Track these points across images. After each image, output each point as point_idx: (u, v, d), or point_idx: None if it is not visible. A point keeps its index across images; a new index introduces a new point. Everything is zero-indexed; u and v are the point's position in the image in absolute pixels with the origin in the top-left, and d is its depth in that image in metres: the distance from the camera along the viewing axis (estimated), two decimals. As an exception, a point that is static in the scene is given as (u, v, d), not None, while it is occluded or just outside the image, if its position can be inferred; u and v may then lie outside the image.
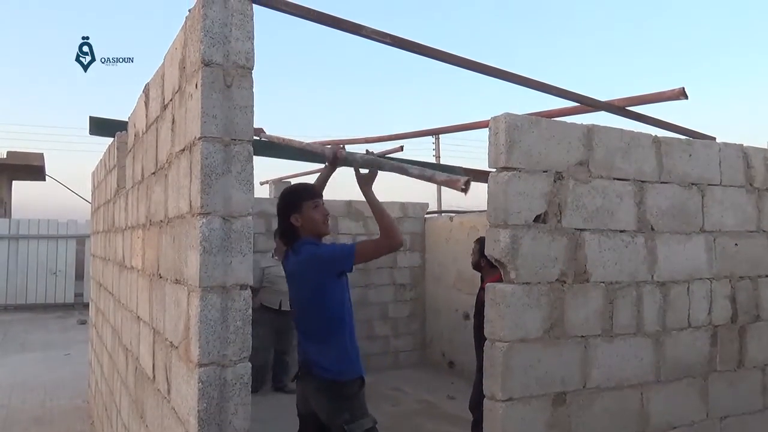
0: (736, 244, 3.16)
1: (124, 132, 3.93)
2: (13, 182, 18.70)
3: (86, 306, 12.19)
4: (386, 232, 2.78)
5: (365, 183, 2.90)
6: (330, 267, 2.79)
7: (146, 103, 2.89)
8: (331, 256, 2.82)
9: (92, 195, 6.52)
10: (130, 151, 3.49)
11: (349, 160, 3.01)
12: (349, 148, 5.73)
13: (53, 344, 9.96)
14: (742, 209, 3.19)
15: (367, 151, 2.95)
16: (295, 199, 2.91)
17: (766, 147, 3.50)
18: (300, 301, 2.92)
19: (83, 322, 11.66)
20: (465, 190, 2.24)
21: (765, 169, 3.28)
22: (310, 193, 2.96)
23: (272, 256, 6.55)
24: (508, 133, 2.50)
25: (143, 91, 2.97)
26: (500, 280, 2.55)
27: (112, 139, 4.35)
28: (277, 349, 6.61)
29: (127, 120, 3.69)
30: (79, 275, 14.89)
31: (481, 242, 4.07)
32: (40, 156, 16.73)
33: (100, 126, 4.27)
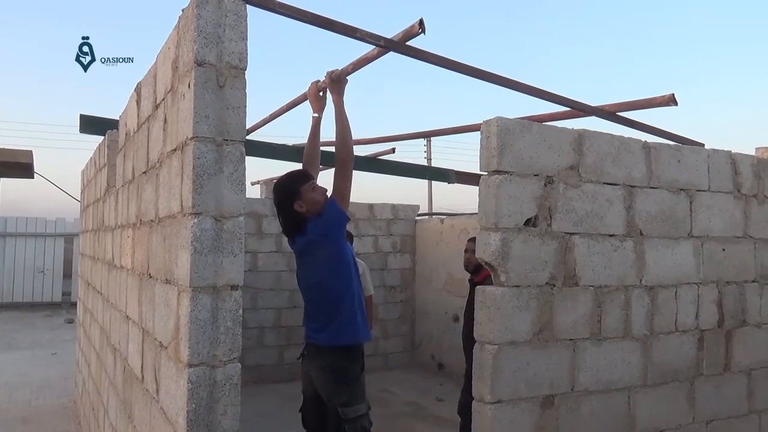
0: (723, 250, 3.19)
1: (114, 131, 3.91)
2: (1, 179, 18.52)
3: (74, 305, 12.08)
4: (344, 144, 2.94)
5: (338, 92, 3.02)
6: (336, 227, 2.90)
7: (138, 102, 2.88)
8: (329, 218, 2.87)
9: (81, 193, 6.48)
10: (120, 150, 3.47)
11: (343, 72, 3.06)
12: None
13: (40, 343, 9.89)
14: (729, 215, 3.22)
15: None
16: (294, 187, 2.93)
17: (753, 154, 3.55)
18: (311, 278, 2.97)
19: (71, 321, 11.58)
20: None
21: (752, 175, 3.32)
22: (305, 177, 2.99)
23: None
24: (500, 136, 2.52)
25: (135, 90, 2.96)
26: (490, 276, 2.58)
27: (103, 137, 4.32)
28: None
29: (118, 119, 3.67)
30: (67, 274, 14.79)
31: None
32: (29, 153, 16.54)
33: (90, 124, 4.24)
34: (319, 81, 3.13)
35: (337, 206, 2.84)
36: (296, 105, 3.66)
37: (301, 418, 3.16)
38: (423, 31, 2.46)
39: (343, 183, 2.90)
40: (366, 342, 3.01)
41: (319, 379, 2.96)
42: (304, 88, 3.30)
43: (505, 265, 2.50)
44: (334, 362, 2.90)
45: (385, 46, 2.62)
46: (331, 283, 2.91)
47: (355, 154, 3.05)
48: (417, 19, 2.48)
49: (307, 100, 3.25)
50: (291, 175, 3.05)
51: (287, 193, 2.92)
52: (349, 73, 2.99)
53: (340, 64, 3.04)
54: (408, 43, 2.63)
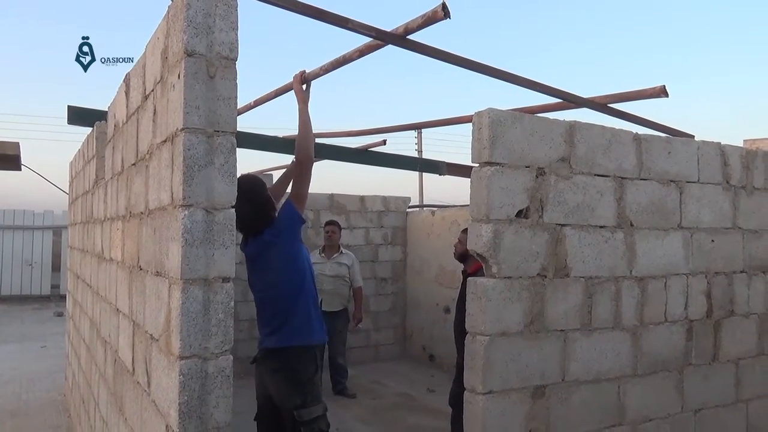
0: (712, 241, 3.21)
1: (103, 122, 3.87)
2: (-12, 172, 18.31)
3: (63, 298, 11.99)
4: (300, 146, 2.90)
5: (305, 100, 3.05)
6: (290, 228, 2.84)
7: (127, 93, 2.84)
8: (283, 218, 2.83)
9: (70, 186, 6.42)
10: (109, 141, 3.44)
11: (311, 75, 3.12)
12: (332, 141, 5.70)
13: (29, 336, 9.83)
14: (718, 206, 3.24)
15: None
16: (261, 183, 2.95)
17: (742, 145, 3.57)
18: (264, 281, 2.93)
19: (60, 314, 11.51)
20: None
21: (741, 167, 3.34)
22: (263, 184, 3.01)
23: (320, 254, 6.29)
24: (492, 128, 2.52)
25: (124, 81, 2.93)
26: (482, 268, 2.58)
27: (91, 129, 4.28)
28: (329, 354, 6.05)
29: (106, 110, 3.63)
30: (56, 267, 14.69)
31: None
32: (16, 145, 16.36)
33: (78, 115, 4.19)
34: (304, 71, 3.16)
35: (292, 207, 2.78)
36: (283, 93, 3.63)
37: (257, 427, 3.10)
38: (447, 15, 2.34)
39: (299, 184, 2.86)
40: (320, 343, 2.95)
41: (272, 382, 2.92)
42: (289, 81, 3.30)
43: (497, 256, 2.51)
44: (286, 364, 2.86)
45: (377, 37, 2.60)
46: (284, 285, 2.87)
47: (315, 149, 3.08)
48: (440, 3, 2.35)
49: (292, 90, 3.24)
50: (253, 176, 3.10)
51: (258, 182, 2.93)
52: (319, 76, 3.06)
53: (326, 57, 3.05)
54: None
